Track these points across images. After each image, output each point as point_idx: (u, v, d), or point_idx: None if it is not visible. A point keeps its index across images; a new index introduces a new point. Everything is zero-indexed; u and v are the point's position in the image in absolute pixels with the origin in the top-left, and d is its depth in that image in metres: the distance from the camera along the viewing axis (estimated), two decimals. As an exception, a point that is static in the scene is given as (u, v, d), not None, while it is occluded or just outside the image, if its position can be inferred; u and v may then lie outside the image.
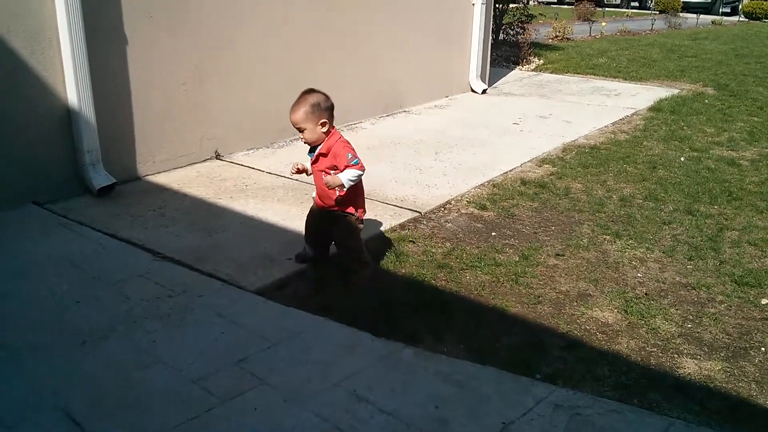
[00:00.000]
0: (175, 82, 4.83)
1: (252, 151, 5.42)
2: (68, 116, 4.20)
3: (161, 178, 4.67)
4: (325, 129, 3.07)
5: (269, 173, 4.88)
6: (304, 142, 3.14)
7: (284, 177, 4.78)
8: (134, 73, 4.54)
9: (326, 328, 2.83)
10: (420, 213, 4.15)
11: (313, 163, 3.18)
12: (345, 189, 3.07)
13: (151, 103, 4.67)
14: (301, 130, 3.08)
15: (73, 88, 4.14)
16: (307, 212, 3.42)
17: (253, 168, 4.99)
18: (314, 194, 3.34)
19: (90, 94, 4.20)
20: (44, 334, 2.71)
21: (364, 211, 3.31)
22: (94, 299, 3.00)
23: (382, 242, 3.72)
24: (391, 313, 2.99)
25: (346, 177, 3.04)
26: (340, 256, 3.36)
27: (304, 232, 3.44)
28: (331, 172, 3.09)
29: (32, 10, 3.95)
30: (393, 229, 3.89)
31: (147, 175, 4.71)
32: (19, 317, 2.85)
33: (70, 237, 3.67)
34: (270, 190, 4.54)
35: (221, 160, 5.18)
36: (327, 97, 3.09)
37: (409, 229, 3.93)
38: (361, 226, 3.30)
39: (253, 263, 3.42)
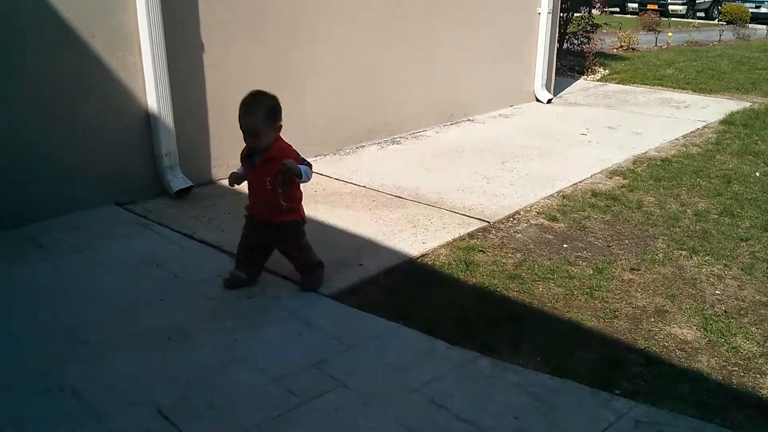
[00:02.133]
0: (249, 88, 4.92)
1: (319, 157, 5.50)
2: (148, 120, 4.36)
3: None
4: (278, 133, 2.98)
5: (336, 179, 4.95)
6: (252, 148, 2.97)
7: (351, 183, 4.85)
8: (210, 79, 4.68)
9: (401, 334, 2.85)
10: (488, 222, 4.14)
11: (256, 170, 2.98)
12: (302, 180, 2.95)
13: (225, 109, 4.79)
14: (256, 135, 2.90)
15: (153, 92, 4.29)
16: (245, 229, 3.19)
17: (321, 174, 5.07)
18: (244, 208, 3.16)
19: (169, 99, 4.35)
20: (131, 331, 2.81)
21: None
22: (176, 298, 3.10)
23: (451, 251, 3.73)
24: (465, 322, 2.99)
25: (305, 169, 2.94)
26: (296, 264, 3.21)
27: (237, 254, 3.22)
28: (277, 177, 2.93)
29: (115, 15, 4.11)
30: (461, 238, 3.90)
31: (221, 179, 4.83)
32: (106, 314, 2.97)
33: (151, 237, 3.80)
34: (338, 196, 4.60)
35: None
36: (277, 99, 2.98)
37: (477, 238, 3.92)
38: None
39: (329, 264, 3.46)
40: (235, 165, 4.86)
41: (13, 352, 2.65)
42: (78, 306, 3.02)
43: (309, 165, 3.02)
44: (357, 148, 5.80)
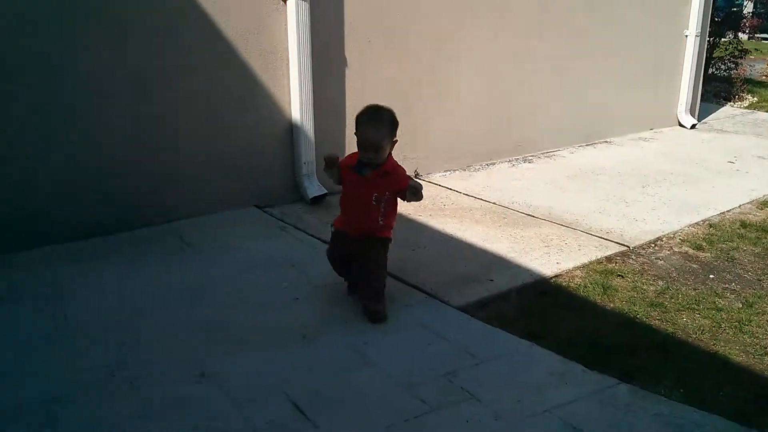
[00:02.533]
0: (384, 103, 5.02)
1: (449, 172, 5.51)
2: (291, 130, 4.55)
3: (365, 192, 4.87)
4: (391, 149, 2.91)
5: (466, 195, 4.93)
6: (368, 163, 2.85)
7: (481, 199, 4.80)
8: (349, 93, 4.81)
9: (534, 353, 2.77)
10: (628, 247, 3.95)
11: (366, 182, 2.88)
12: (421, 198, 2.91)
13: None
14: (377, 150, 2.81)
15: (297, 104, 4.48)
16: (332, 243, 3.12)
17: (451, 189, 5.06)
18: (332, 225, 3.09)
19: (311, 111, 4.53)
20: (269, 327, 2.91)
21: None
22: (311, 298, 3.19)
23: (587, 273, 3.59)
24: (602, 347, 2.85)
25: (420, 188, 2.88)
26: (364, 287, 3.02)
27: (335, 269, 3.16)
28: (385, 194, 2.91)
29: (268, 30, 4.33)
30: (599, 261, 3.74)
31: (353, 189, 4.94)
32: (246, 309, 3.09)
33: (288, 239, 3.94)
34: (468, 211, 4.57)
35: (419, 179, 5.32)
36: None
37: (616, 262, 3.75)
38: None
39: (455, 281, 3.45)
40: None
41: (159, 341, 2.82)
42: (220, 300, 3.17)
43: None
44: (487, 165, 5.75)
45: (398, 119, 2.96)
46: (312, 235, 3.99)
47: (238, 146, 4.38)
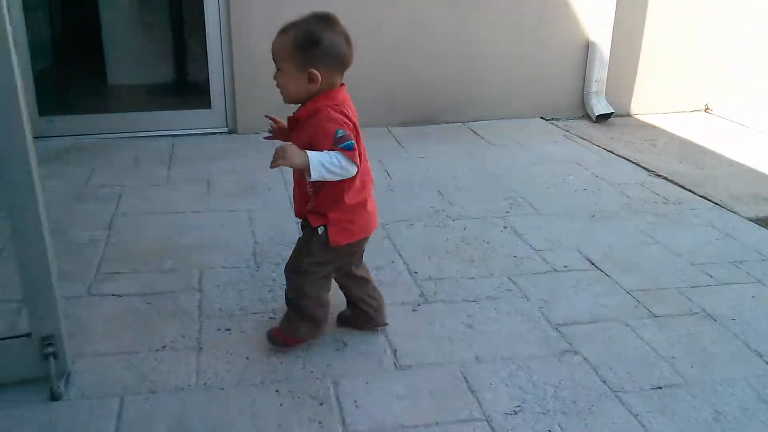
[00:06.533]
0: (676, 27, 4.95)
1: (741, 110, 5.27)
2: (586, 46, 4.73)
3: (650, 119, 4.92)
4: (313, 85, 1.82)
5: (759, 131, 4.74)
6: (282, 95, 1.90)
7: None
8: (650, 11, 4.79)
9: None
10: None
11: (290, 130, 1.95)
12: (311, 179, 1.78)
13: (658, 47, 4.88)
14: (277, 68, 1.86)
15: (596, 20, 4.65)
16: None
17: (743, 125, 4.90)
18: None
19: (609, 28, 4.64)
20: (559, 205, 3.29)
21: (362, 232, 1.97)
22: (597, 190, 3.48)
23: None
24: None
25: (319, 160, 1.75)
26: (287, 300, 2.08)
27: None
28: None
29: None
30: None
31: (637, 114, 5.02)
32: (538, 190, 3.49)
33: (573, 146, 4.23)
34: (759, 144, 4.44)
35: (709, 113, 5.19)
36: (343, 39, 1.84)
37: None
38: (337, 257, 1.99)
39: (746, 197, 3.49)
40: (652, 103, 5.03)
41: (470, 198, 3.32)
42: (516, 181, 3.58)
43: (350, 150, 1.78)
44: None
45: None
46: (597, 145, 4.23)
47: (532, 59, 4.69)
